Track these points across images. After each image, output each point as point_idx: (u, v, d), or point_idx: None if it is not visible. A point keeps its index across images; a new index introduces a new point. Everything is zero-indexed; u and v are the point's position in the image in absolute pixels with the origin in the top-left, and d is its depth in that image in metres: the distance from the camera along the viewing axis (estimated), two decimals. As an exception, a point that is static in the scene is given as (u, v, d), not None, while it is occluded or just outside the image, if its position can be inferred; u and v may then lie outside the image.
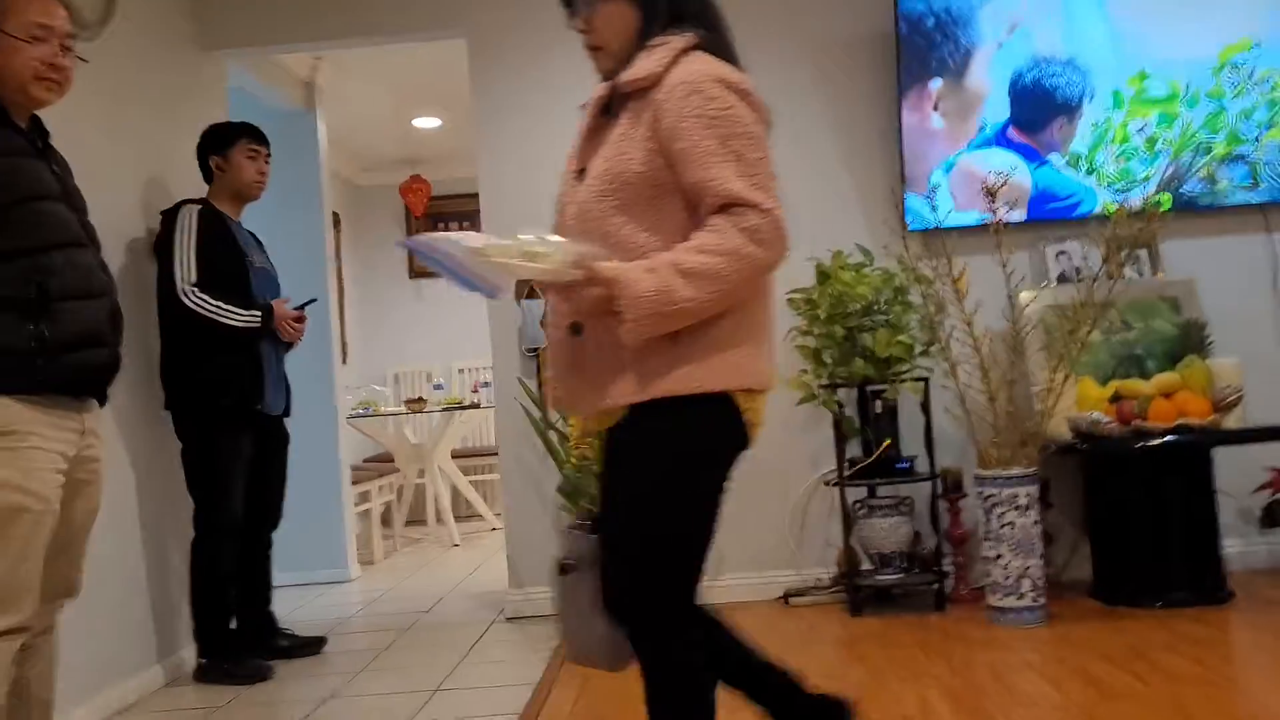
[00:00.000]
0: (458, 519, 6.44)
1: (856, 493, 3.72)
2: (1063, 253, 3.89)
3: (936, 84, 3.83)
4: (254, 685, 3.29)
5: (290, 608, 4.31)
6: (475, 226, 4.21)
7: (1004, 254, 3.44)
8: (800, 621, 3.60)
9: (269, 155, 3.64)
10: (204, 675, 3.36)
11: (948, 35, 3.82)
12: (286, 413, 3.66)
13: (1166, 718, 2.41)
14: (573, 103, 4.01)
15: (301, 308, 3.61)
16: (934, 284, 3.52)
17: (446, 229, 7.46)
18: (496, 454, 4.16)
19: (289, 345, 3.62)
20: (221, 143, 3.54)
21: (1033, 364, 3.63)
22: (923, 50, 3.82)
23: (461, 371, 7.38)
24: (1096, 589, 3.59)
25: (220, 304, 3.32)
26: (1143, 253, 3.84)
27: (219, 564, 3.39)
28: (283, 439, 3.68)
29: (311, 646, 3.68)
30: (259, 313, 3.41)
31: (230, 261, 3.43)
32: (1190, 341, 3.62)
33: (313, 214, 5.08)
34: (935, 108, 3.84)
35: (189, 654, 3.47)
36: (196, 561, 3.41)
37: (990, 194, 3.45)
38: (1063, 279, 3.86)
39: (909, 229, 3.79)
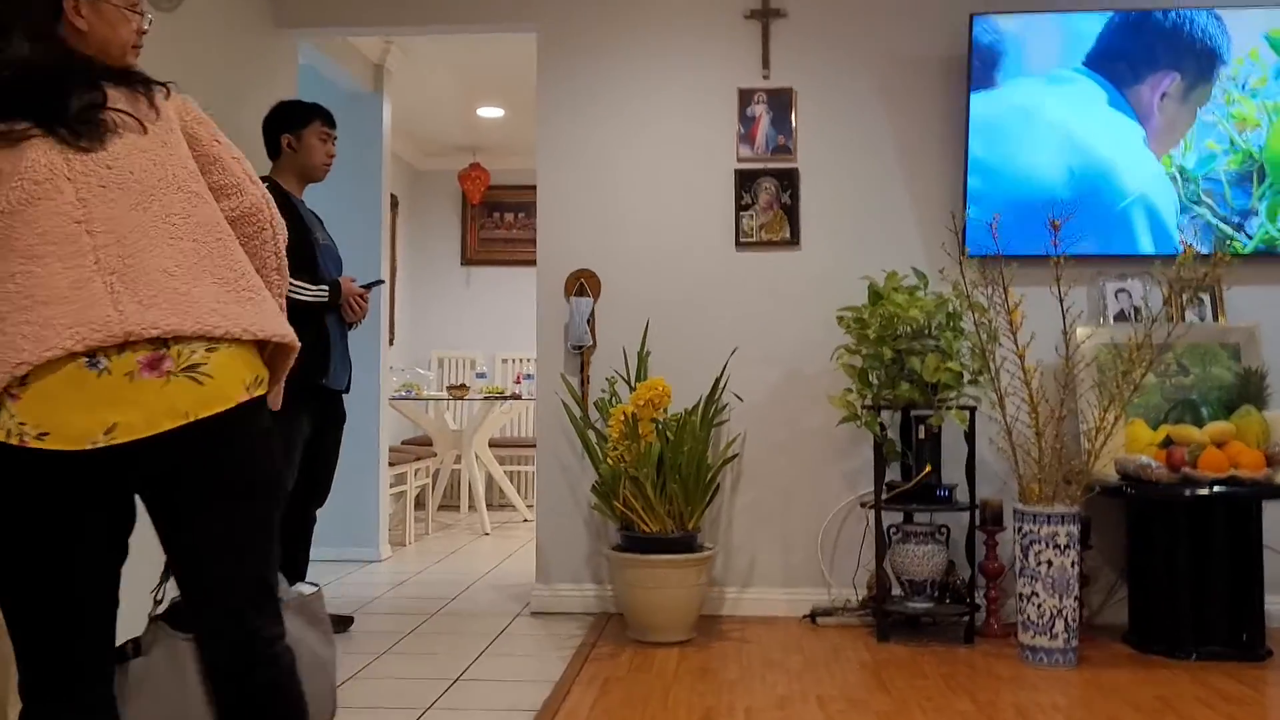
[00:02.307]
0: (490, 508, 6.48)
1: (892, 517, 3.68)
2: (1123, 290, 3.82)
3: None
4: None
5: (320, 584, 4.35)
6: (532, 218, 4.21)
7: (1063, 288, 3.39)
8: (825, 642, 3.57)
9: (336, 138, 3.69)
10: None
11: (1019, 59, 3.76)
12: (347, 389, 3.70)
13: (1195, 776, 2.35)
14: (636, 108, 4.05)
15: (368, 287, 3.65)
16: (988, 312, 3.48)
17: (502, 218, 7.53)
18: (533, 446, 4.18)
19: (352, 323, 3.67)
20: (296, 121, 3.56)
21: (1083, 402, 3.57)
22: (992, 73, 3.77)
23: (505, 361, 7.42)
24: (1131, 635, 3.52)
25: (289, 279, 3.36)
26: (1206, 296, 3.76)
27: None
28: (340, 416, 3.70)
29: (339, 624, 3.71)
30: (326, 287, 3.46)
31: (297, 238, 3.46)
32: (1248, 391, 3.54)
33: (372, 195, 5.13)
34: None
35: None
36: None
37: (1054, 227, 3.39)
38: (1121, 317, 3.79)
39: (968, 254, 3.74)
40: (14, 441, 1.27)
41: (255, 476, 1.48)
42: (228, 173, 1.57)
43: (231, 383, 1.41)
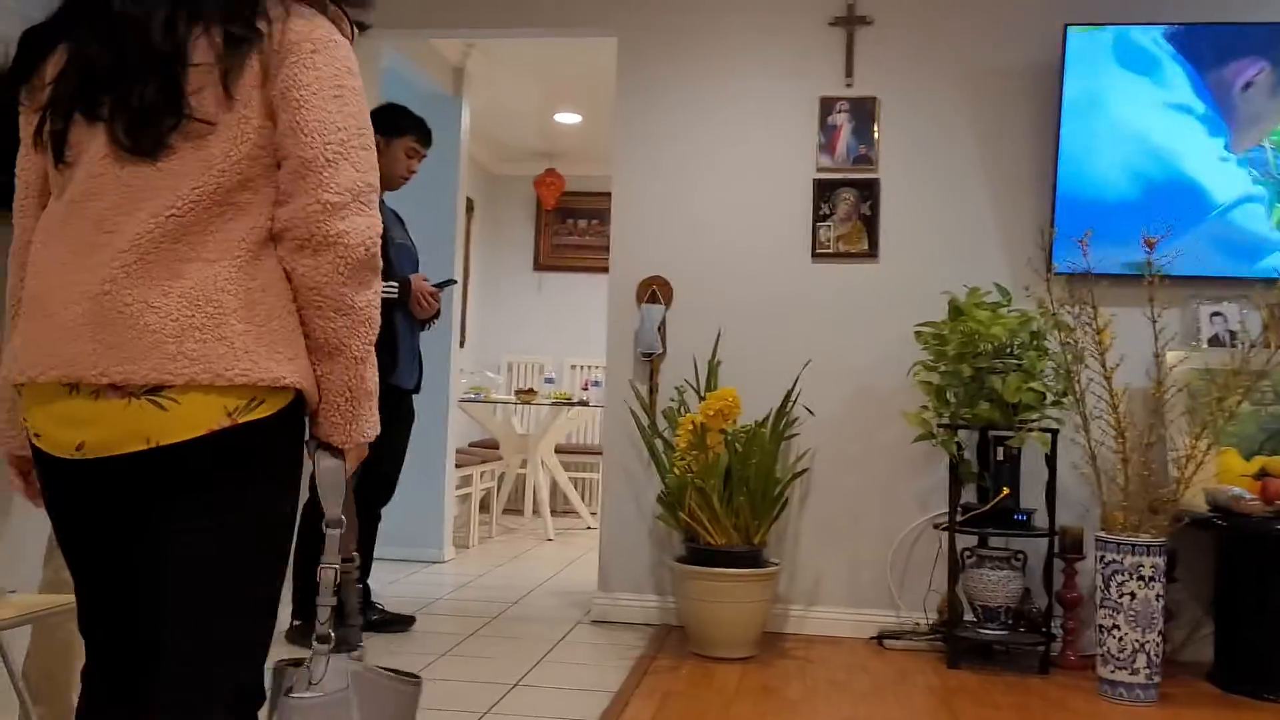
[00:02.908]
0: (554, 513, 6.47)
1: (967, 540, 3.56)
2: (1218, 314, 3.66)
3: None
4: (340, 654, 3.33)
5: (384, 583, 4.37)
6: (605, 225, 4.19)
7: (1155, 309, 3.25)
8: (893, 665, 3.46)
9: (425, 157, 3.70)
10: (295, 637, 3.42)
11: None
12: (417, 389, 3.71)
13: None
14: (715, 114, 4.01)
15: (440, 286, 3.67)
16: (1075, 332, 3.35)
17: (575, 225, 7.54)
18: (599, 453, 4.15)
19: (425, 324, 3.67)
20: (391, 128, 3.54)
21: (1173, 429, 3.42)
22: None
23: (573, 368, 7.41)
24: (1216, 673, 3.36)
25: None
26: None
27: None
28: (409, 415, 3.71)
29: (401, 623, 3.72)
30: (396, 284, 3.48)
31: None
32: (1351, 423, 3.35)
33: (448, 198, 5.16)
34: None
35: (285, 614, 3.55)
36: (305, 526, 3.48)
37: (1149, 245, 3.26)
38: (1215, 342, 3.63)
39: (1055, 272, 3.62)
40: (30, 437, 1.32)
41: (236, 520, 1.27)
42: None
43: (203, 408, 1.22)
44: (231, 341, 1.25)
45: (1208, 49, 3.61)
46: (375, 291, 1.35)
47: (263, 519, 1.31)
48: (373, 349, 1.36)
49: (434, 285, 3.65)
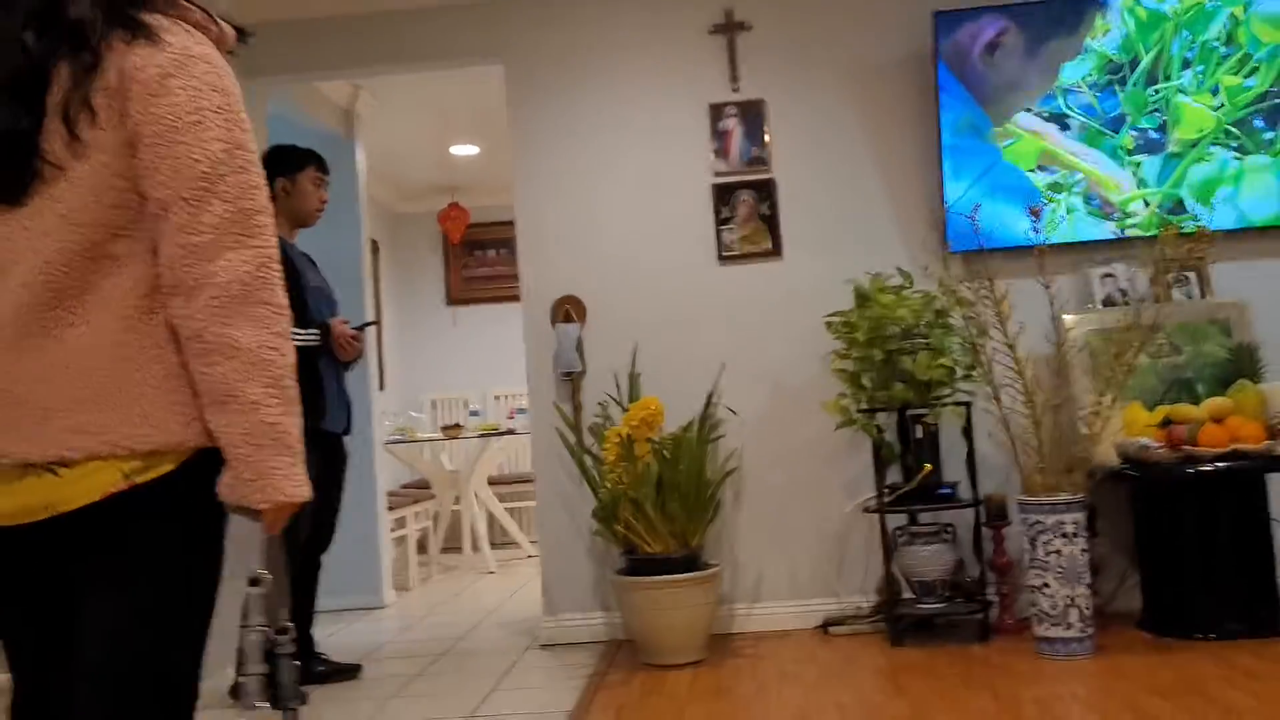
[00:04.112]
0: (493, 546, 6.42)
1: (897, 520, 3.64)
2: (1108, 275, 3.81)
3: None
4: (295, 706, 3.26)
5: (325, 633, 4.29)
6: (512, 253, 4.20)
7: (1047, 276, 3.38)
8: (839, 651, 3.52)
9: (329, 184, 3.74)
10: (239, 694, 3.34)
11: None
12: (347, 431, 3.68)
13: (1224, 754, 2.31)
14: (609, 131, 4.05)
15: (360, 329, 3.66)
16: (975, 306, 3.46)
17: (484, 255, 7.52)
18: (532, 481, 4.14)
19: (348, 365, 3.67)
20: (290, 166, 3.61)
21: (1078, 388, 3.55)
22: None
23: (497, 398, 7.38)
24: (1146, 620, 3.48)
25: None
26: (1192, 275, 3.76)
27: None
28: (342, 458, 3.69)
29: (347, 673, 3.65)
30: (317, 331, 3.45)
31: (288, 282, 3.47)
32: (1243, 365, 3.52)
33: (352, 240, 5.11)
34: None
35: (230, 671, 3.45)
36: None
37: (1034, 215, 3.39)
38: (1108, 302, 3.78)
39: (950, 250, 3.74)
40: None
41: (146, 580, 1.21)
42: None
43: (99, 473, 1.18)
44: (126, 409, 1.19)
45: (946, 22, 3.78)
46: (273, 331, 1.22)
47: (174, 577, 1.25)
48: (283, 396, 1.22)
49: (354, 328, 3.64)
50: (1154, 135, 3.75)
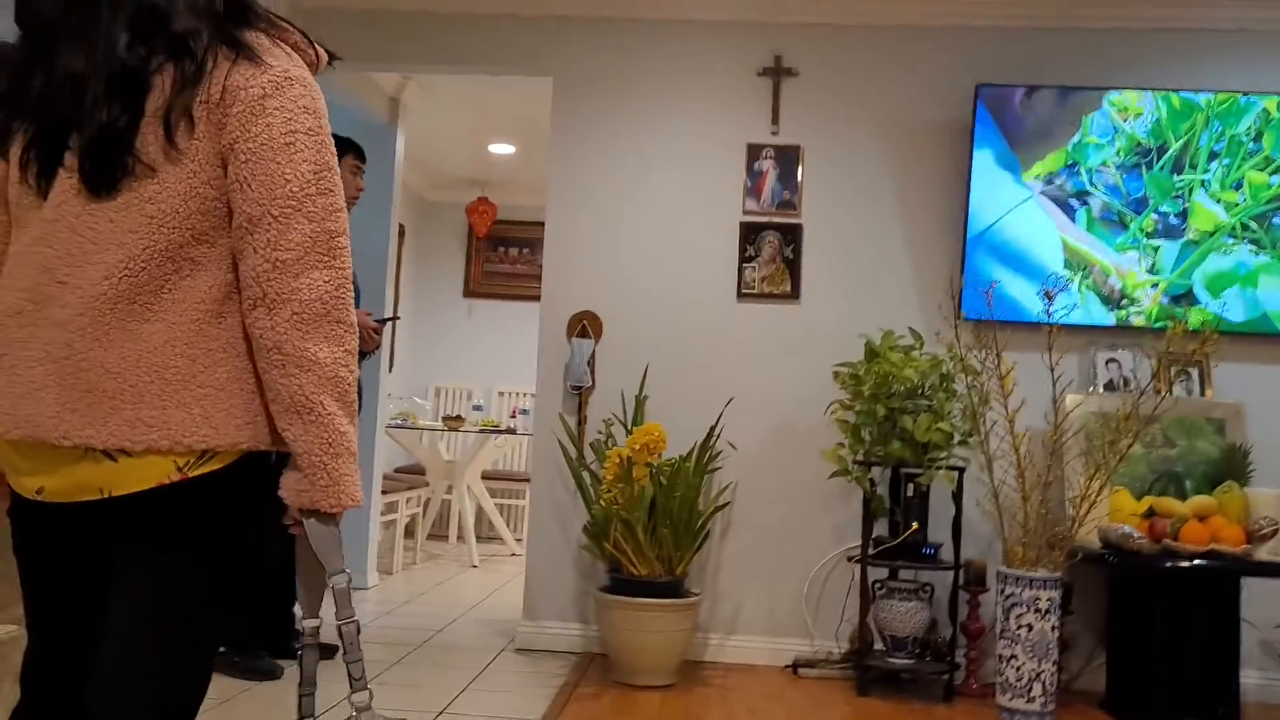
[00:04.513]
0: (479, 540, 6.50)
1: (878, 573, 3.72)
2: (1113, 360, 3.90)
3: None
4: (261, 683, 3.35)
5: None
6: (536, 254, 4.29)
7: (1054, 356, 3.46)
8: (806, 693, 3.60)
9: (364, 172, 3.83)
10: (217, 665, 3.43)
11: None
12: None
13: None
14: (647, 155, 4.14)
15: (382, 322, 3.74)
16: (981, 376, 3.55)
17: (507, 253, 7.61)
18: (526, 480, 4.23)
19: (365, 355, 3.75)
20: None
21: (1070, 469, 3.64)
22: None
23: (502, 395, 7.47)
24: (1108, 702, 3.56)
25: None
26: (1194, 371, 3.84)
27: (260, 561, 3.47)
28: None
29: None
30: None
31: None
32: (1232, 467, 3.60)
33: (381, 224, 5.20)
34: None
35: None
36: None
37: (1049, 297, 3.47)
38: (1110, 387, 3.87)
39: (964, 318, 3.82)
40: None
41: (184, 566, 1.29)
42: None
43: (155, 463, 1.24)
44: (190, 408, 1.25)
45: (989, 94, 3.87)
46: (345, 349, 1.29)
47: (210, 565, 1.32)
48: (350, 409, 1.30)
49: (377, 320, 3.73)
50: (1174, 221, 3.83)
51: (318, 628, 1.46)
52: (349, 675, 1.36)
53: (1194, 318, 3.76)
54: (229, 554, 1.34)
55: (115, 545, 1.31)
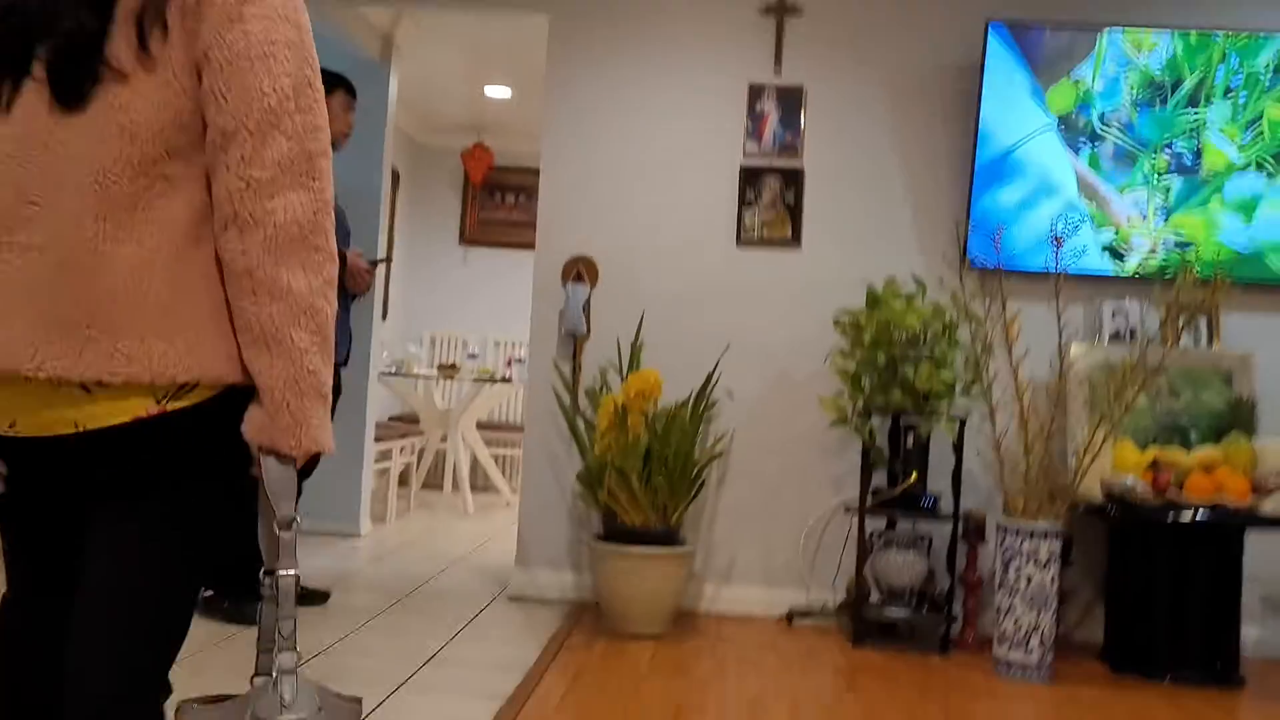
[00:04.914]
0: (473, 489, 6.46)
1: (876, 523, 3.67)
2: (1119, 311, 3.81)
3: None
4: (251, 627, 3.31)
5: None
6: (533, 202, 4.19)
7: (1060, 305, 3.38)
8: (801, 643, 3.56)
9: (355, 110, 3.74)
10: (204, 609, 3.39)
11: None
12: (344, 362, 3.71)
13: (1162, 800, 2.35)
14: (645, 96, 4.02)
15: (374, 264, 3.67)
16: (985, 324, 3.47)
17: (503, 200, 7.50)
18: (520, 430, 4.17)
19: (354, 297, 3.68)
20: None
21: (1073, 420, 3.57)
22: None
23: (497, 344, 7.39)
24: (1106, 654, 3.52)
25: None
26: (1202, 321, 3.76)
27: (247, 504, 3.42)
28: (336, 389, 3.70)
29: (315, 598, 3.70)
30: None
31: None
32: (1239, 418, 3.54)
33: (374, 167, 5.09)
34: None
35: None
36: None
37: (1057, 243, 3.38)
38: (1116, 337, 3.79)
39: (969, 265, 3.73)
40: None
41: (161, 508, 1.22)
42: None
43: (133, 395, 1.17)
44: (172, 338, 1.17)
45: (998, 30, 3.75)
46: (323, 278, 1.20)
47: (189, 504, 1.25)
48: (325, 345, 1.21)
49: (369, 261, 3.66)
50: (1187, 161, 3.73)
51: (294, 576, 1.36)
52: (278, 632, 1.25)
53: (1204, 252, 3.66)
54: (207, 496, 1.27)
55: (89, 487, 1.24)
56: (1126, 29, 3.71)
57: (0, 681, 1.36)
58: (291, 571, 1.25)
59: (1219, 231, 3.72)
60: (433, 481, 6.86)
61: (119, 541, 1.23)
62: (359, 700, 1.35)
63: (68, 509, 1.29)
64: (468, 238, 7.50)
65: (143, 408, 1.19)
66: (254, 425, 1.22)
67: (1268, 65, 3.69)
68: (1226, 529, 3.36)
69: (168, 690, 1.30)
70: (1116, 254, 3.75)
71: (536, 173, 4.19)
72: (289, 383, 1.19)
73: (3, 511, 1.34)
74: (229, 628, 3.27)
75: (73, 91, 1.16)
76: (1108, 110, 3.73)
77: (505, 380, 6.24)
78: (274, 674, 1.24)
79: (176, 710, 1.23)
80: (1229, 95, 3.70)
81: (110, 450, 1.20)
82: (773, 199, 4.00)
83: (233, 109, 1.16)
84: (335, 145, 3.70)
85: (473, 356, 6.73)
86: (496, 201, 7.49)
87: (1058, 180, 3.74)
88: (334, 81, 3.65)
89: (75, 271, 1.16)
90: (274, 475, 1.23)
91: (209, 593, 3.41)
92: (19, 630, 1.36)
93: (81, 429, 1.19)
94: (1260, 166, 3.70)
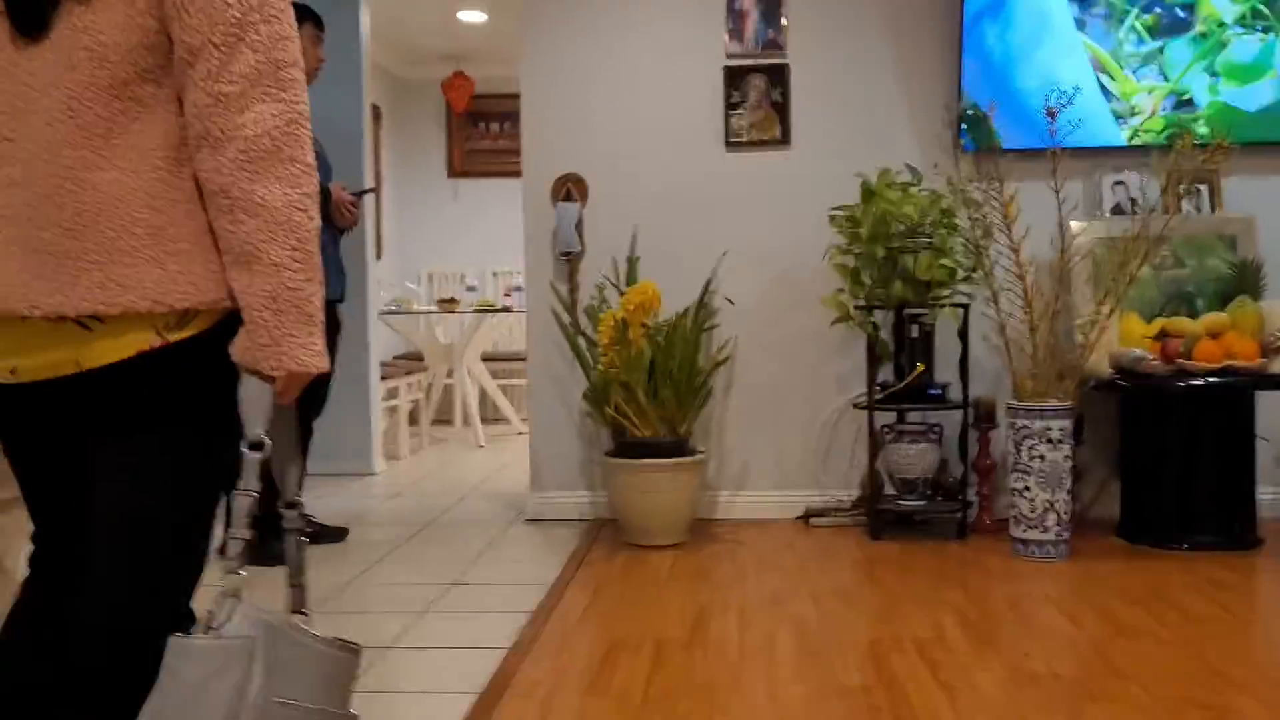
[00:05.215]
0: (484, 421, 6.48)
1: (885, 417, 3.66)
2: (1120, 183, 3.75)
3: None
4: (274, 567, 3.33)
5: (314, 496, 4.36)
6: (519, 128, 4.11)
7: (1059, 181, 3.32)
8: (819, 541, 3.58)
9: (324, 42, 3.66)
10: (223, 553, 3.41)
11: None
12: (342, 298, 3.68)
13: (1181, 658, 2.37)
14: (622, 9, 3.91)
15: (358, 194, 3.62)
16: (983, 208, 3.41)
17: (488, 129, 7.38)
18: (525, 359, 4.15)
19: (343, 231, 3.64)
20: None
21: (1078, 296, 3.53)
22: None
23: (495, 275, 7.34)
24: (1123, 528, 3.54)
25: None
26: (1204, 187, 3.69)
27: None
28: (335, 325, 3.69)
29: (335, 536, 3.73)
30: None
31: None
32: (1244, 282, 3.50)
33: (353, 105, 5.00)
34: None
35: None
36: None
37: (1051, 115, 3.30)
38: (1117, 210, 3.73)
39: (963, 149, 3.66)
40: None
41: (168, 446, 1.21)
42: None
43: (133, 328, 1.16)
44: (164, 263, 1.15)
45: None
46: (302, 191, 1.17)
47: (199, 437, 1.23)
48: (308, 261, 1.18)
49: (352, 194, 3.61)
50: (1181, 14, 3.62)
51: (298, 511, 1.35)
52: (224, 552, 1.22)
53: (1207, 114, 3.58)
54: (218, 427, 1.23)
55: (95, 425, 1.22)
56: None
57: (26, 623, 1.36)
58: (251, 493, 1.22)
59: (1219, 93, 3.64)
60: (443, 417, 6.88)
61: (126, 473, 1.21)
62: (357, 650, 1.31)
63: (75, 447, 1.27)
64: (456, 170, 7.41)
65: (145, 341, 1.17)
66: (238, 346, 1.21)
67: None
68: (1236, 391, 3.34)
69: (191, 620, 1.28)
70: (1118, 118, 3.66)
71: (518, 97, 4.10)
72: (266, 300, 1.16)
73: (13, 458, 1.33)
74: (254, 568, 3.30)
75: (33, 18, 1.13)
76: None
77: (506, 310, 6.22)
78: (217, 596, 1.21)
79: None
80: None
81: (115, 387, 1.18)
82: (759, 98, 3.91)
83: (196, 24, 1.13)
84: (309, 81, 3.63)
85: (471, 289, 6.70)
86: (482, 131, 7.38)
87: (1056, 29, 3.63)
88: (300, 14, 3.56)
89: (57, 202, 1.14)
90: (249, 394, 1.20)
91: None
92: (43, 574, 1.36)
93: (84, 368, 1.17)
94: (1257, 15, 3.59)
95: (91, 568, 1.23)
